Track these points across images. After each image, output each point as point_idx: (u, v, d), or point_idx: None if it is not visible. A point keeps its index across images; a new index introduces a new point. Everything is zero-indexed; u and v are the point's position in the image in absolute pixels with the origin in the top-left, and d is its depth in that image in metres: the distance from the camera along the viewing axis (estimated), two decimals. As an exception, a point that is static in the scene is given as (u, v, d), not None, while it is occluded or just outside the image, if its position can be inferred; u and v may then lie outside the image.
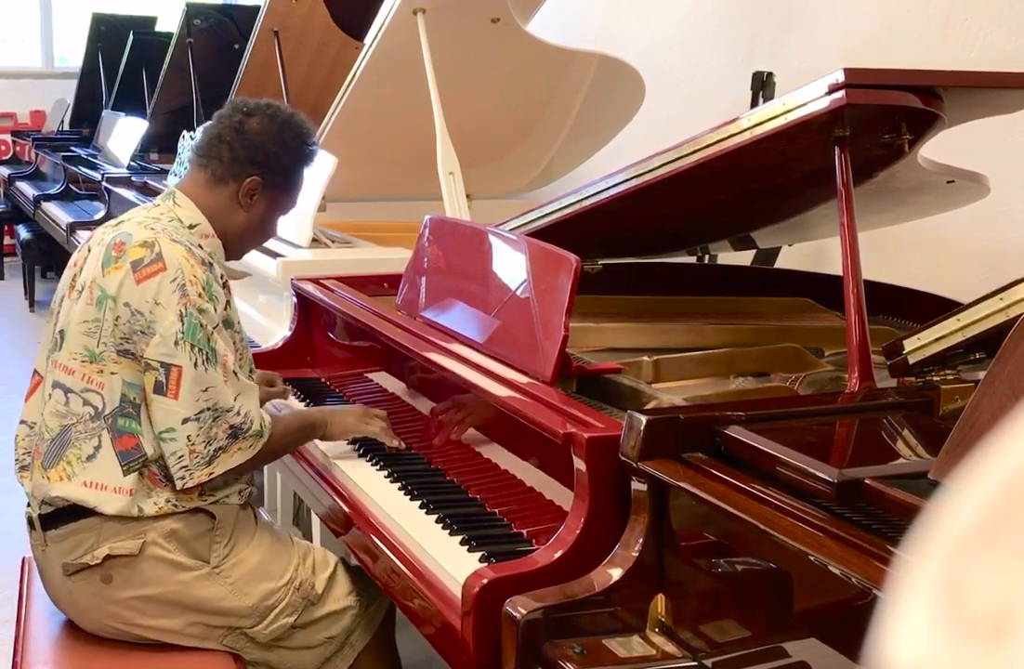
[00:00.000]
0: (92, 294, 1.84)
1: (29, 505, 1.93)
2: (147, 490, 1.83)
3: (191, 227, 1.92)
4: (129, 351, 1.81)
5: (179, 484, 1.81)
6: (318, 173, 3.04)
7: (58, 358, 1.87)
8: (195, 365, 1.78)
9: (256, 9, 4.46)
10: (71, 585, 1.87)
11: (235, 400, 1.82)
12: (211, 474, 1.82)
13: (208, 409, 1.80)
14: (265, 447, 1.87)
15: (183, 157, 4.45)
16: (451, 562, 1.60)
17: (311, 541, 2.51)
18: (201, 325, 1.79)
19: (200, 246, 1.90)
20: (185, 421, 1.79)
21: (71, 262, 1.95)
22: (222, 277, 1.91)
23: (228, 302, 1.91)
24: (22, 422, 1.98)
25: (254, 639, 1.91)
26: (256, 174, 1.93)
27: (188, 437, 1.79)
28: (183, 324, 1.78)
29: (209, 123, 2.00)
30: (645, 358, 1.96)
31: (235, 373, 1.84)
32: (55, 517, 1.86)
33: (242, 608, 1.88)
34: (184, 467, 1.80)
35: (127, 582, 1.85)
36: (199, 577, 1.87)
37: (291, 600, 1.91)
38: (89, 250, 1.91)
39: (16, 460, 1.98)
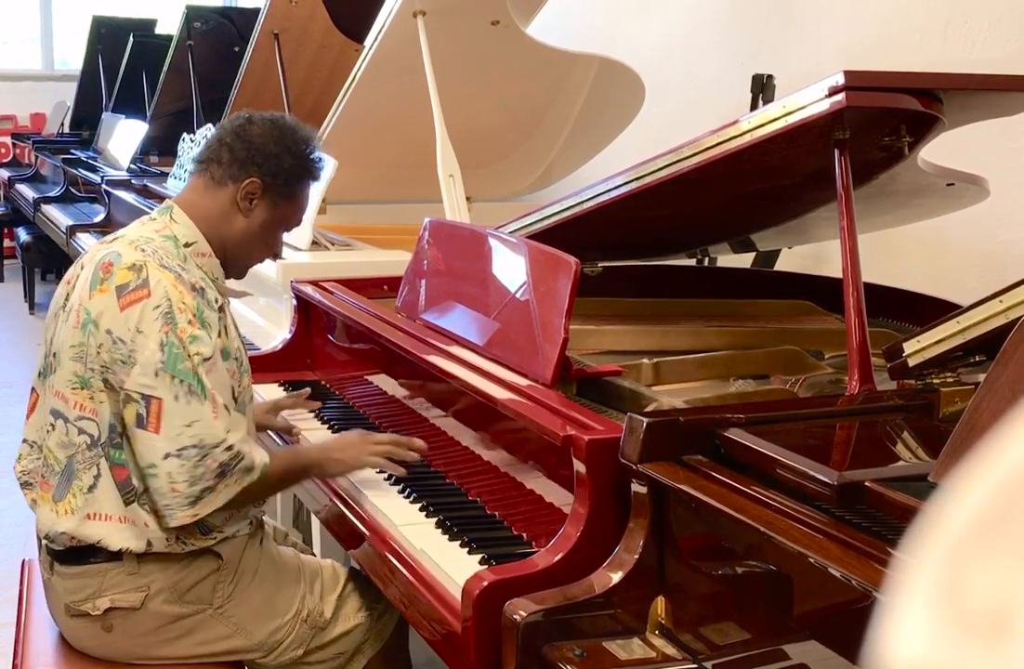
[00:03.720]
0: (79, 317, 1.75)
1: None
2: (156, 522, 1.75)
3: (187, 246, 1.82)
4: (110, 381, 1.72)
5: (163, 522, 1.73)
6: (318, 176, 3.04)
7: (54, 384, 1.79)
8: (176, 397, 1.67)
9: (256, 12, 4.47)
10: (72, 623, 1.83)
11: (226, 434, 1.71)
12: (195, 516, 1.71)
13: (193, 446, 1.68)
14: (253, 486, 1.75)
15: (183, 160, 4.45)
16: (451, 565, 1.59)
17: (311, 541, 2.51)
18: (188, 355, 1.68)
19: (198, 266, 1.81)
20: (167, 456, 1.68)
21: (65, 279, 1.86)
22: (216, 301, 1.80)
23: (224, 328, 1.80)
24: (24, 441, 1.91)
25: (263, 665, 1.89)
26: (255, 176, 1.83)
27: (169, 474, 1.68)
28: (163, 354, 1.67)
29: (210, 133, 1.94)
30: (645, 361, 1.96)
31: (226, 408, 1.73)
32: (63, 555, 1.80)
33: (248, 645, 1.85)
34: (166, 505, 1.70)
35: (127, 633, 1.80)
36: (201, 620, 1.82)
37: (299, 633, 1.87)
38: (82, 267, 1.82)
39: (17, 477, 1.90)
